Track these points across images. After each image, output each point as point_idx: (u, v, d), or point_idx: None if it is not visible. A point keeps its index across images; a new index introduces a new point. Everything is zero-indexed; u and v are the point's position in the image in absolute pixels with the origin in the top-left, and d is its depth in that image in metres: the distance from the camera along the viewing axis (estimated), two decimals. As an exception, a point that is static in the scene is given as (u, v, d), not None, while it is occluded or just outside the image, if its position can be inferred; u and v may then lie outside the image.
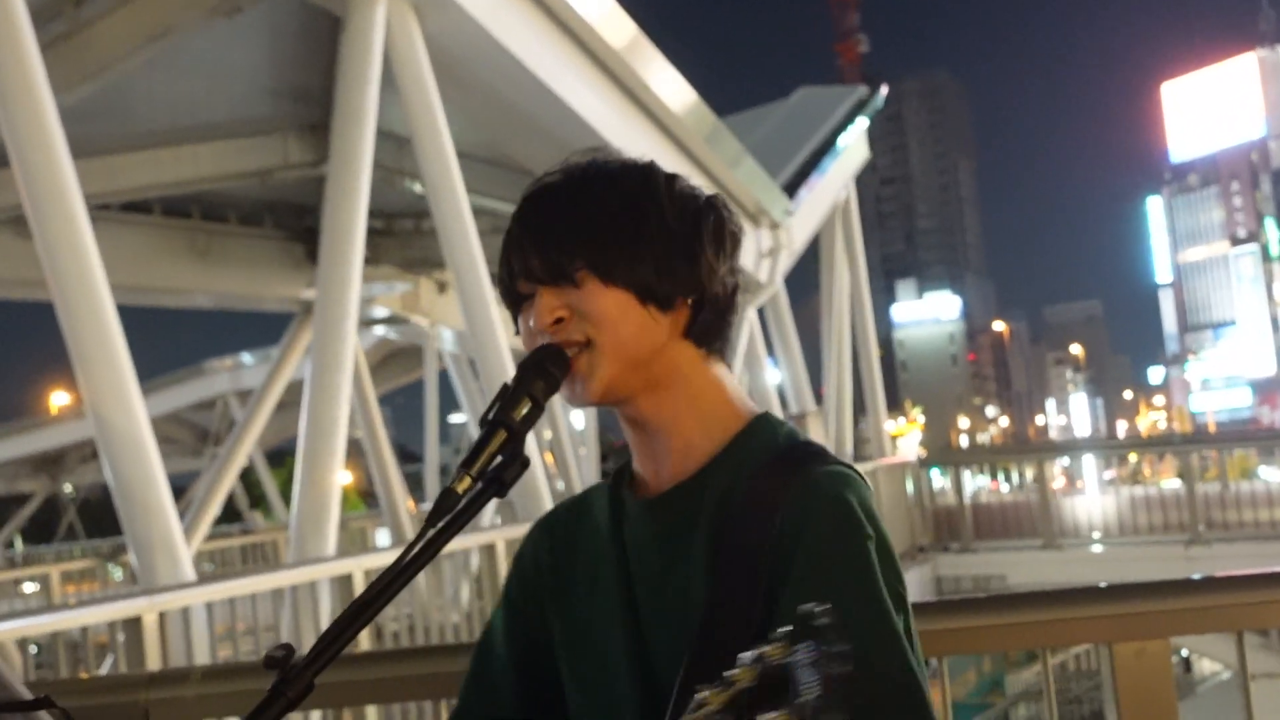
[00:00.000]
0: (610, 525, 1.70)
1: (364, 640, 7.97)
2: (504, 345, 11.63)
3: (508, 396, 1.55)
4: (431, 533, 1.49)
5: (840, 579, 1.47)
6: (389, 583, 1.49)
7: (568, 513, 1.80)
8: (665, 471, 1.65)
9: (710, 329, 1.66)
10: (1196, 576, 2.80)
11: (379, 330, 21.89)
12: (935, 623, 2.70)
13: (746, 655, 1.09)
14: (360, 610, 1.47)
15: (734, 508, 1.56)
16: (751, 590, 1.49)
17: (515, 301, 1.66)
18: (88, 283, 8.21)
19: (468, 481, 1.50)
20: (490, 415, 1.55)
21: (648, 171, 1.65)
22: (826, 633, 1.08)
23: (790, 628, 1.10)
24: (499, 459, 1.52)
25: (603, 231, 1.58)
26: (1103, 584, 2.77)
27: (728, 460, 1.62)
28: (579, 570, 1.73)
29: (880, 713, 1.40)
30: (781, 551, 1.49)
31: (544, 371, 1.58)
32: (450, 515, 1.49)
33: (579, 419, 23.74)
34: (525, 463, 1.54)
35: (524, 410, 1.55)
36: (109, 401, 8.30)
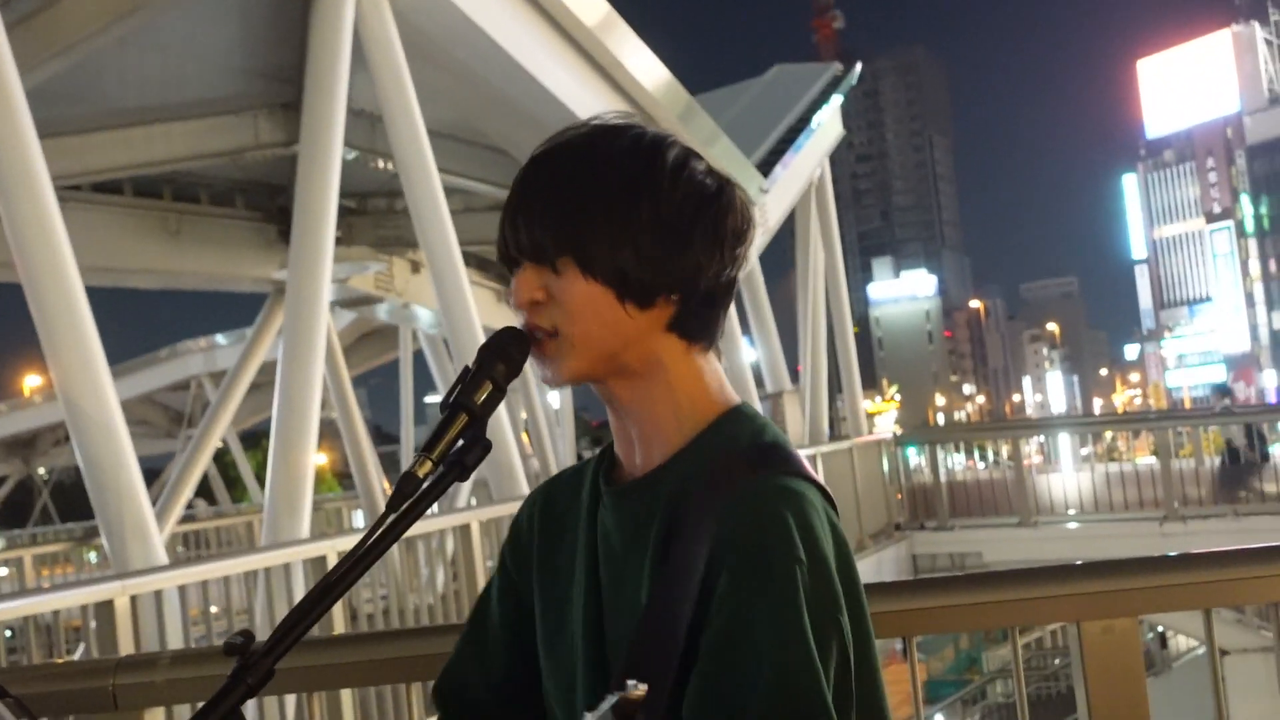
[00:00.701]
0: (589, 506, 1.69)
1: (339, 623, 7.96)
2: (477, 325, 11.59)
3: (469, 379, 1.55)
4: (392, 518, 1.48)
5: (756, 603, 1.44)
6: (349, 569, 1.48)
7: (567, 482, 1.78)
8: (637, 459, 1.65)
9: (696, 324, 1.62)
10: (1169, 554, 2.80)
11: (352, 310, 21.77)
12: (903, 602, 2.71)
13: None
14: (320, 596, 1.47)
15: (685, 508, 1.54)
16: (686, 597, 1.47)
17: (509, 263, 1.63)
18: (56, 264, 8.15)
19: (429, 465, 1.49)
20: (451, 398, 1.54)
21: (656, 152, 1.60)
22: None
23: (604, 707, 1.13)
24: (460, 442, 1.51)
25: (588, 217, 1.55)
26: (1077, 562, 2.77)
27: (690, 456, 1.59)
28: (564, 543, 1.72)
29: None
30: (715, 563, 1.47)
31: (505, 354, 1.57)
32: (411, 500, 1.48)
33: (555, 399, 23.74)
34: (487, 446, 1.53)
35: (485, 393, 1.54)
36: (78, 384, 8.25)
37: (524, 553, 1.77)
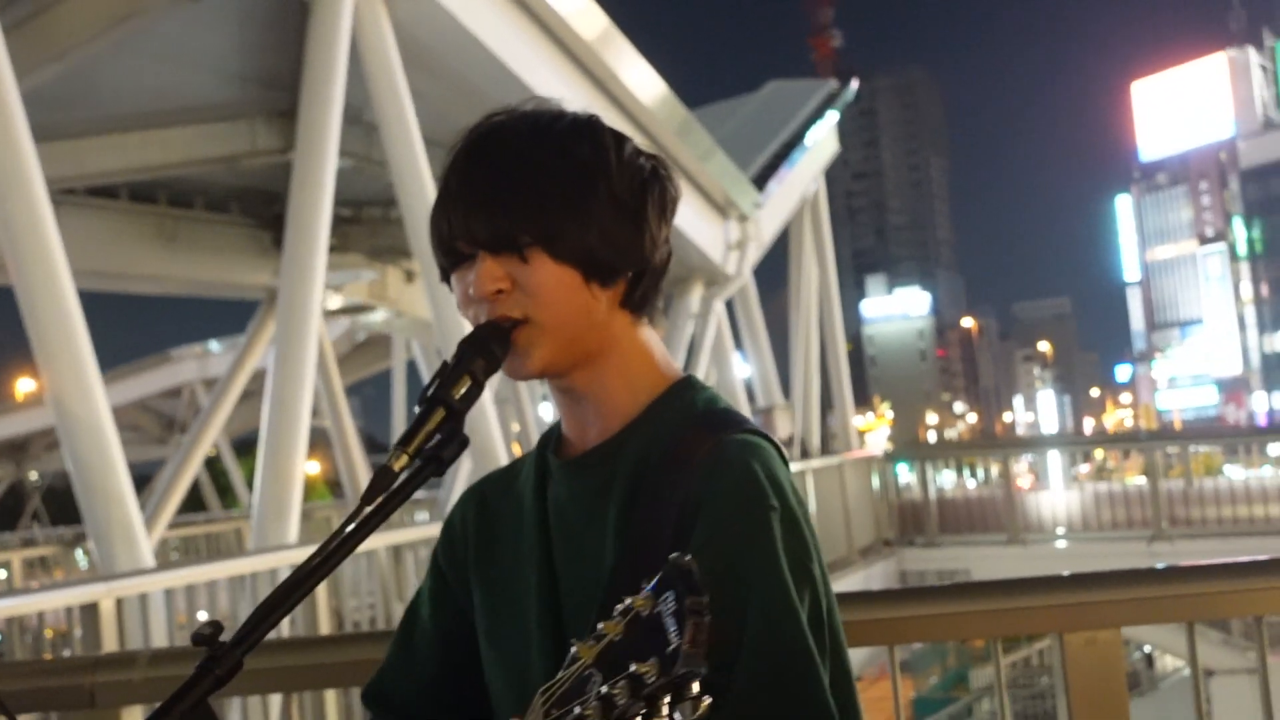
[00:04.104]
0: (535, 486, 1.69)
1: (324, 626, 7.94)
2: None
3: (447, 374, 1.53)
4: (367, 511, 1.47)
5: (737, 549, 1.46)
6: (322, 561, 1.46)
7: (500, 480, 1.79)
8: (591, 433, 1.65)
9: (647, 297, 1.65)
10: (1152, 567, 2.80)
11: (347, 319, 21.75)
12: (887, 611, 2.71)
13: (617, 607, 1.10)
14: (292, 589, 1.45)
15: (648, 472, 1.56)
16: (658, 557, 1.48)
17: (453, 259, 1.62)
18: (48, 268, 8.14)
19: (405, 459, 1.47)
20: (429, 393, 1.53)
21: (597, 136, 1.61)
22: (689, 581, 1.09)
23: (657, 578, 1.11)
24: (437, 437, 1.50)
25: (553, 203, 1.55)
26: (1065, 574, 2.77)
27: (646, 423, 1.62)
28: (504, 535, 1.71)
29: (767, 686, 1.42)
30: (688, 519, 1.49)
31: (485, 349, 1.55)
32: (386, 493, 1.46)
33: (547, 411, 23.70)
34: (464, 441, 1.52)
35: (463, 388, 1.53)
36: (69, 388, 8.24)
37: (460, 554, 1.77)
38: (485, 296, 1.57)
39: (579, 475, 1.63)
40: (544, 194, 1.55)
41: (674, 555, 1.13)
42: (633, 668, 1.05)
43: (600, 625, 1.11)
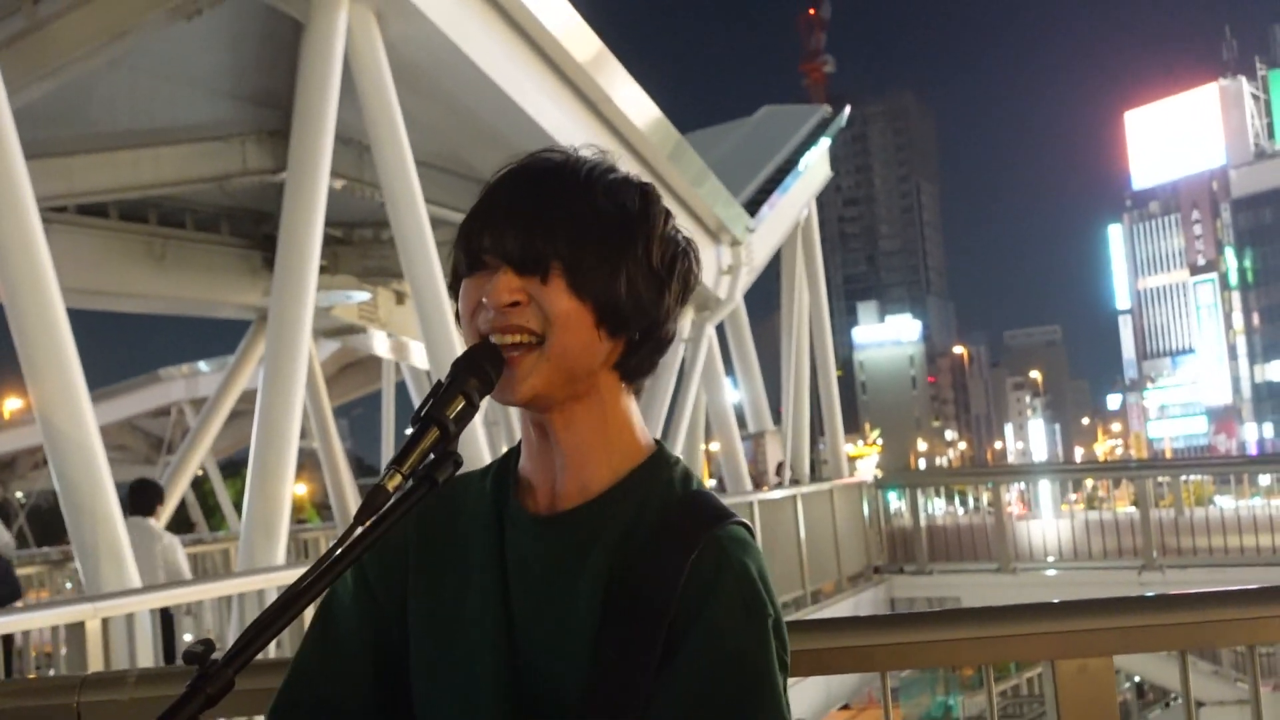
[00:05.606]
0: (492, 524, 1.68)
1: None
2: (461, 357, 11.51)
3: (441, 393, 1.53)
4: (359, 530, 1.46)
5: (739, 659, 1.53)
6: (314, 580, 1.45)
7: (445, 498, 1.72)
8: (561, 487, 1.65)
9: (641, 365, 1.67)
10: (1146, 595, 2.79)
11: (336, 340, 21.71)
12: (879, 637, 2.68)
13: None
14: (284, 608, 1.43)
15: (635, 549, 1.58)
16: (650, 638, 1.52)
17: (472, 266, 1.62)
18: (38, 286, 8.12)
19: (398, 479, 1.47)
20: (423, 412, 1.52)
21: (650, 197, 1.65)
22: None
23: None
24: (431, 457, 1.50)
25: (590, 240, 1.57)
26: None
27: (629, 494, 1.63)
28: (449, 555, 1.70)
29: None
30: (685, 608, 1.53)
31: (479, 369, 1.55)
32: (379, 513, 1.45)
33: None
34: (458, 461, 1.52)
35: (458, 408, 1.52)
36: (57, 406, 8.21)
37: (394, 570, 1.73)
38: (499, 306, 1.57)
39: (551, 533, 1.63)
40: (585, 228, 1.58)
41: None
42: None
43: None
